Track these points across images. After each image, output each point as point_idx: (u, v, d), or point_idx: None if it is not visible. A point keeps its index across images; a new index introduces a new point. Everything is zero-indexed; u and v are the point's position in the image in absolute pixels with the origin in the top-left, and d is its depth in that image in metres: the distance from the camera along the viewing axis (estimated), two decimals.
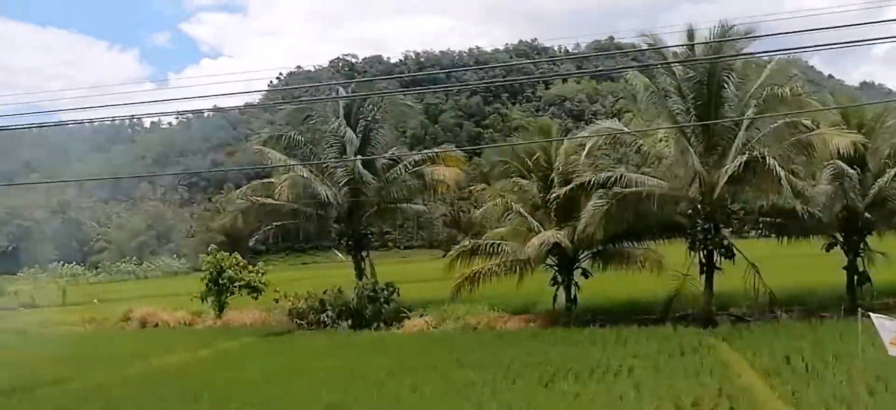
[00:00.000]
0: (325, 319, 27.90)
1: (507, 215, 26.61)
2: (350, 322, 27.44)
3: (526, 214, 25.81)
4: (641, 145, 24.30)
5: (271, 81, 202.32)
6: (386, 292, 28.47)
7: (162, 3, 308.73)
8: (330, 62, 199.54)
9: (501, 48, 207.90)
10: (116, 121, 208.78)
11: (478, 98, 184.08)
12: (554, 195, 25.49)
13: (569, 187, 25.13)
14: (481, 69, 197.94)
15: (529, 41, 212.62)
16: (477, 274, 25.85)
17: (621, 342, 20.29)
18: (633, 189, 23.95)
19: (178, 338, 26.36)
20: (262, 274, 34.80)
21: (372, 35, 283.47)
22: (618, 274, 26.96)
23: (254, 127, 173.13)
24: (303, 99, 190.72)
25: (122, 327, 30.88)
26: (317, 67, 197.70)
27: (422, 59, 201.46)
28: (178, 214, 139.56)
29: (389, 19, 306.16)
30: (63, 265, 62.49)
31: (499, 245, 25.70)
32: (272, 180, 31.77)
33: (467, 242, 27.23)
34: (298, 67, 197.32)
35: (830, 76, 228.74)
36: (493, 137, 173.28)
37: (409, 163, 31.99)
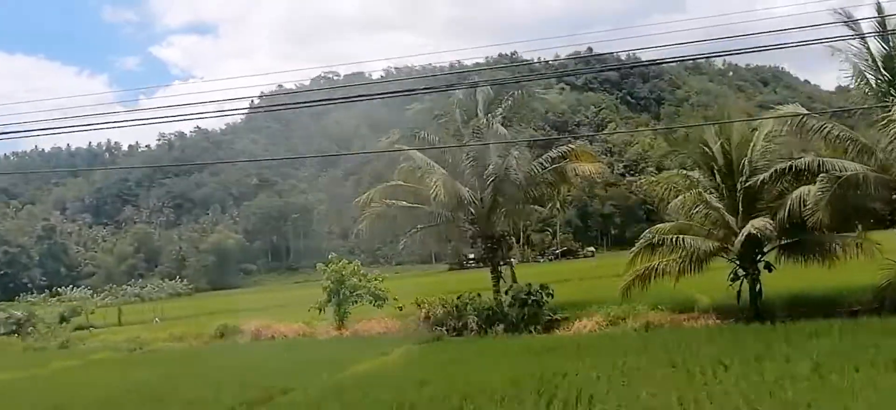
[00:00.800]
0: (472, 325, 26.26)
1: (695, 207, 24.74)
2: (501, 327, 25.77)
3: (718, 205, 24.11)
4: (830, 130, 22.51)
5: (253, 101, 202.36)
6: (542, 294, 26.53)
7: (131, 28, 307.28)
8: (311, 80, 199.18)
9: (482, 62, 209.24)
10: (93, 145, 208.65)
11: (461, 113, 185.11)
12: (750, 183, 23.65)
13: (764, 174, 23.33)
14: (472, 84, 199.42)
15: (509, 54, 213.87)
16: (648, 271, 24.51)
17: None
18: (850, 173, 21.74)
19: (336, 348, 25.08)
20: (381, 281, 32.98)
21: (342, 53, 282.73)
22: (786, 267, 25.03)
23: (237, 147, 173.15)
24: (286, 110, 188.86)
25: (234, 341, 29.50)
26: (298, 85, 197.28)
27: (404, 75, 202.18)
28: (166, 236, 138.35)
29: (359, 38, 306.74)
30: (72, 289, 61.71)
31: (681, 239, 23.93)
32: (398, 182, 29.83)
33: (650, 234, 25.36)
34: (279, 86, 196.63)
35: (806, 81, 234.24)
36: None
37: (546, 160, 29.62)
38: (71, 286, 70.18)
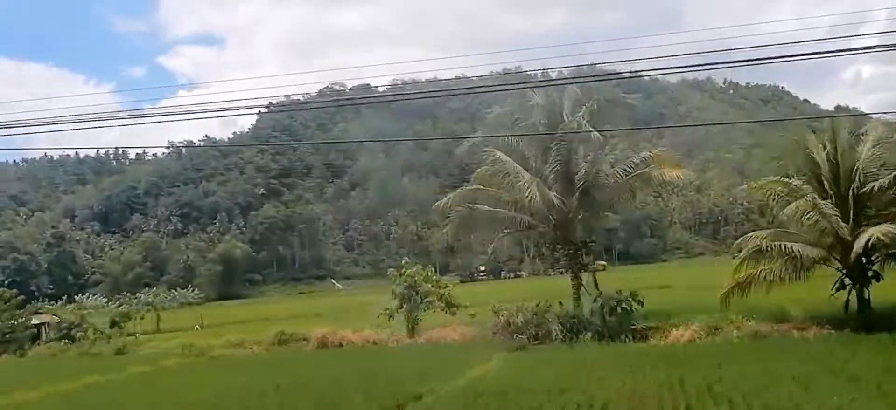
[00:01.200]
0: (556, 333, 25.11)
1: (805, 214, 23.31)
2: (588, 335, 24.73)
3: (833, 212, 22.86)
4: None
5: (260, 111, 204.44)
6: (631, 303, 25.40)
7: (139, 38, 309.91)
8: (318, 91, 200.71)
9: (487, 75, 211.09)
10: (101, 153, 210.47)
11: (466, 125, 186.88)
12: (864, 189, 22.86)
13: (881, 181, 22.41)
14: (471, 91, 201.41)
15: (513, 69, 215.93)
16: (749, 279, 23.54)
17: None
18: None
19: (425, 355, 24.08)
20: (448, 288, 31.94)
21: (347, 66, 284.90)
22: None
23: (244, 156, 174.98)
24: (292, 121, 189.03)
25: (298, 348, 29.06)
26: (306, 96, 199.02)
27: (409, 88, 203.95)
28: (174, 245, 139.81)
29: (363, 51, 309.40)
30: (88, 297, 63.06)
31: (789, 246, 22.85)
32: (477, 186, 28.95)
33: (758, 240, 24.00)
34: (286, 97, 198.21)
35: (806, 101, 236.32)
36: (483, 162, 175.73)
37: (630, 165, 29.02)
38: (87, 294, 71.70)
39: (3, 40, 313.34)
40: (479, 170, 29.27)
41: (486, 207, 28.30)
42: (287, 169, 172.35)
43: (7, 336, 41.03)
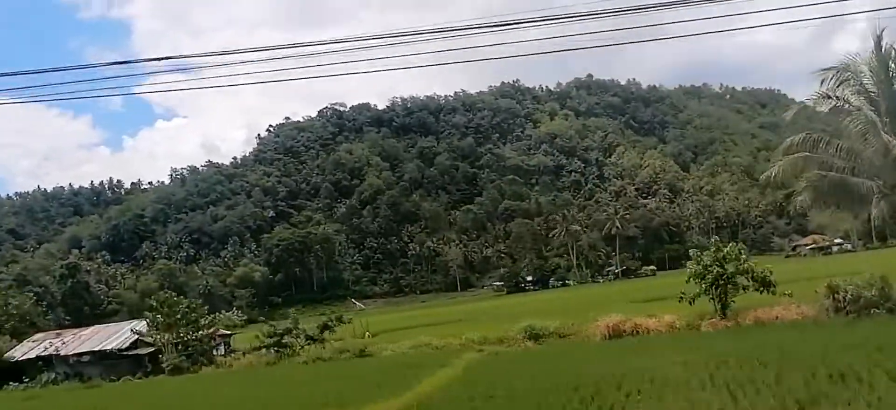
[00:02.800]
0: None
1: None
2: None
3: None
4: None
5: (260, 134, 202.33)
6: None
7: (114, 69, 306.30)
8: (319, 112, 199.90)
9: (486, 90, 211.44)
10: (96, 184, 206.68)
11: (470, 139, 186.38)
12: None
13: None
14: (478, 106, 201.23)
15: (512, 82, 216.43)
16: None
17: None
18: None
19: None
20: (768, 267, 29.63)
21: (325, 89, 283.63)
22: None
23: (250, 179, 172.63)
24: (296, 143, 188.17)
25: (583, 340, 28.21)
26: (306, 118, 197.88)
27: (409, 105, 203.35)
28: (190, 272, 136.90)
29: (342, 74, 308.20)
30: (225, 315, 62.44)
31: None
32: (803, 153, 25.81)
33: None
34: (287, 118, 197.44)
35: (802, 103, 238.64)
36: (489, 177, 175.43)
37: None
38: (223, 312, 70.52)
39: None
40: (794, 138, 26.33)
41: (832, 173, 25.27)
42: (294, 191, 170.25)
43: (189, 349, 41.10)
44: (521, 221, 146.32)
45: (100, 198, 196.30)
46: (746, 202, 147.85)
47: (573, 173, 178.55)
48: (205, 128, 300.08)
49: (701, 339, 24.17)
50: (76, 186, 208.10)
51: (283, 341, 38.78)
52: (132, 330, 46.22)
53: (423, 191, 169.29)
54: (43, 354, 48.16)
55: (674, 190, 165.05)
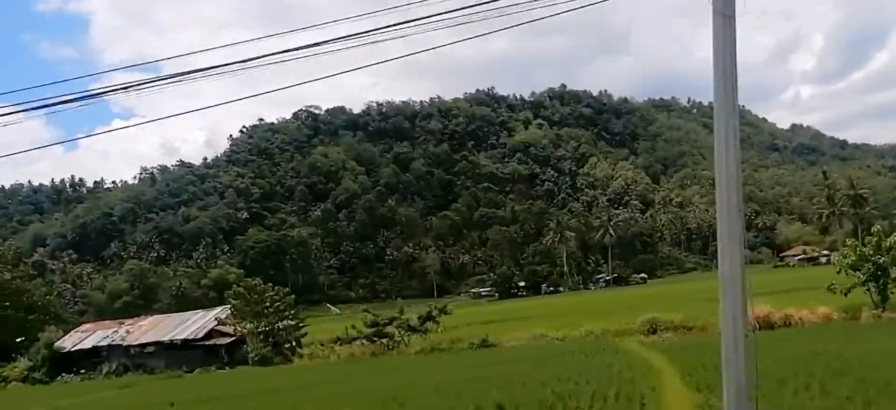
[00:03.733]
0: None
1: None
2: None
3: None
4: None
5: (231, 135, 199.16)
6: None
7: (70, 66, 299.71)
8: (293, 114, 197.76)
9: (461, 97, 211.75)
10: (57, 181, 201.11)
11: (445, 146, 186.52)
12: None
13: None
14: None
15: (487, 90, 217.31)
16: None
17: None
18: None
19: None
20: None
21: (290, 93, 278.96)
22: None
23: (223, 180, 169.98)
24: (269, 145, 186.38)
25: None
26: (280, 119, 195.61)
27: (384, 110, 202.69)
28: (162, 273, 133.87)
29: (306, 77, 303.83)
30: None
31: None
32: None
33: None
34: (260, 120, 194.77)
35: (765, 119, 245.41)
36: (465, 184, 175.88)
37: None
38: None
39: None
40: None
41: None
42: (268, 193, 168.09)
43: (273, 339, 40.70)
44: (499, 228, 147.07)
45: (60, 196, 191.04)
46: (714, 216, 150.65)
47: (546, 182, 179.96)
48: (163, 129, 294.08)
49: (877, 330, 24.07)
50: (36, 183, 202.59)
51: (386, 331, 38.35)
52: (216, 318, 45.20)
53: (398, 196, 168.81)
54: (99, 344, 46.91)
55: (645, 201, 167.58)
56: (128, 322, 52.02)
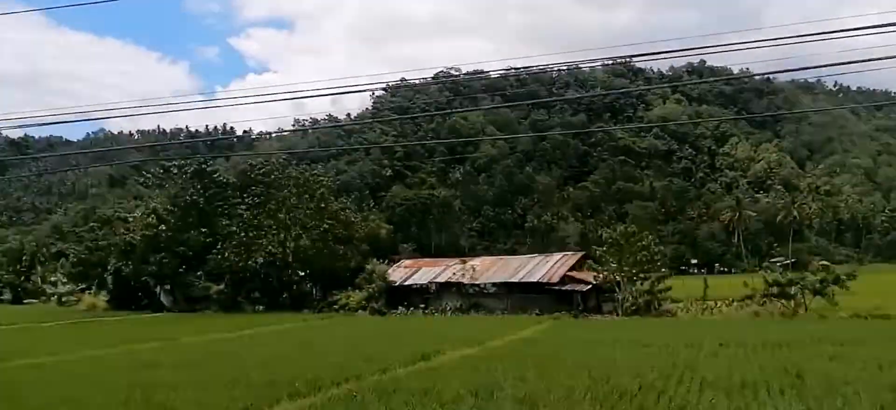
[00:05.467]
0: None
1: None
2: None
3: None
4: None
5: (374, 92, 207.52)
6: None
7: (213, 18, 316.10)
8: (433, 76, 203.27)
9: (599, 67, 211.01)
10: (205, 128, 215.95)
11: (582, 116, 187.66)
12: None
13: None
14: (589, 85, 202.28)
15: (624, 61, 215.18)
16: None
17: None
18: None
19: None
20: None
21: (414, 55, 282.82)
22: None
23: (369, 137, 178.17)
24: (409, 110, 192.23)
25: None
26: (422, 80, 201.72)
27: (522, 76, 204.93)
28: None
29: (428, 41, 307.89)
30: None
31: None
32: None
33: None
34: (403, 80, 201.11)
35: None
36: (601, 156, 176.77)
37: None
38: None
39: (84, 15, 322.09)
40: None
41: None
42: (409, 152, 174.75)
43: (648, 291, 40.78)
44: (640, 204, 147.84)
45: (213, 143, 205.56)
46: (871, 205, 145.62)
47: (683, 160, 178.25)
48: (293, 86, 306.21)
49: None
50: (193, 129, 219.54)
51: (790, 291, 37.45)
52: (592, 269, 45.09)
53: (535, 163, 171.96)
54: (441, 280, 49.87)
55: (789, 187, 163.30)
56: (468, 260, 54.30)
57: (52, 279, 79.30)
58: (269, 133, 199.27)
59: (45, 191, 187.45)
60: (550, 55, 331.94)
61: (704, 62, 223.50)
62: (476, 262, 52.70)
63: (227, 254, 58.05)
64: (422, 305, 48.78)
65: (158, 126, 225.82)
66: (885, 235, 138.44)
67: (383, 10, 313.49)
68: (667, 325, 34.89)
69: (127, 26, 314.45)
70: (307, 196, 62.89)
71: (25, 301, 79.07)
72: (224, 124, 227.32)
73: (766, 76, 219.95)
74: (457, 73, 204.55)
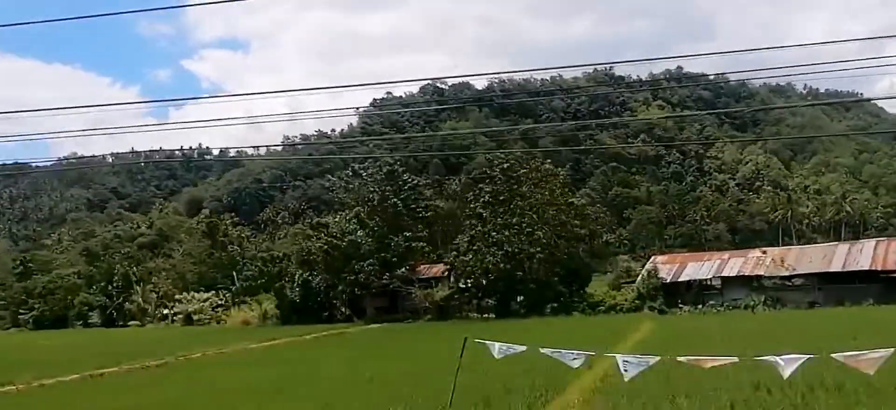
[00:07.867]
0: None
1: None
2: None
3: None
4: None
5: (358, 108, 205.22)
6: None
7: (165, 41, 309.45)
8: (420, 89, 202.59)
9: (581, 76, 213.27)
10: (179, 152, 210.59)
11: (570, 124, 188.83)
12: None
13: None
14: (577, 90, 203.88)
15: (605, 69, 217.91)
16: None
17: None
18: None
19: None
20: None
21: (373, 71, 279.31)
22: None
23: (360, 151, 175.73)
24: (398, 123, 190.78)
25: None
26: (407, 94, 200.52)
27: (506, 86, 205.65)
28: None
29: (388, 58, 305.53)
30: None
31: None
32: None
33: None
34: (388, 94, 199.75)
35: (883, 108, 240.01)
36: (593, 163, 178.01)
37: None
38: None
39: (29, 41, 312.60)
40: None
41: None
42: (402, 165, 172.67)
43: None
44: (643, 208, 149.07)
45: (190, 163, 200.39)
46: (865, 202, 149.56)
47: (672, 164, 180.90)
48: (248, 105, 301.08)
49: None
50: (167, 150, 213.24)
51: None
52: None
53: (527, 170, 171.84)
54: (720, 275, 47.66)
55: (778, 187, 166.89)
56: (768, 251, 51.92)
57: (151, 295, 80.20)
58: (256, 147, 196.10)
59: (21, 217, 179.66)
60: (506, 67, 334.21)
61: (682, 68, 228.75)
62: (776, 252, 50.42)
63: (460, 257, 55.82)
64: (710, 302, 46.23)
65: (132, 148, 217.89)
66: (883, 231, 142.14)
67: (338, 28, 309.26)
68: None
69: (75, 51, 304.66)
70: (548, 191, 62.18)
71: (119, 323, 77.07)
72: (199, 143, 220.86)
73: (741, 81, 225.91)
74: (443, 86, 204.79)
